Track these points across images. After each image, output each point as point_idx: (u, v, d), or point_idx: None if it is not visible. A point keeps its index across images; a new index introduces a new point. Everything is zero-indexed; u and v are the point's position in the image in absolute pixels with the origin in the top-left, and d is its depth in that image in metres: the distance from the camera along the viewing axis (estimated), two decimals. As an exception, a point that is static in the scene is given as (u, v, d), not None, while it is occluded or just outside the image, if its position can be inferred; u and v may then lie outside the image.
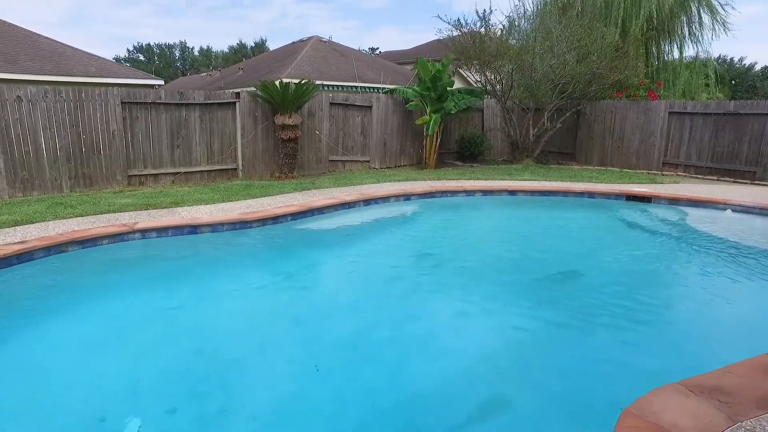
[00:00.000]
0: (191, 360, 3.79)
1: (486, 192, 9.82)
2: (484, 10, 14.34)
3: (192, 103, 10.58)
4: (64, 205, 7.87)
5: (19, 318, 4.37)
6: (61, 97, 9.15)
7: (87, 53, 20.07)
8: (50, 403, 3.20)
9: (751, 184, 11.68)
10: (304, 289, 5.54)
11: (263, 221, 7.13)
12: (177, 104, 10.41)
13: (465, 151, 15.45)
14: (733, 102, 13.02)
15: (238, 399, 3.27)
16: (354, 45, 32.73)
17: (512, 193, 9.89)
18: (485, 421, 3.08)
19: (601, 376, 3.57)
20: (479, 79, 14.85)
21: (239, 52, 49.19)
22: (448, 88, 13.34)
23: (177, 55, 72.25)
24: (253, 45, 49.72)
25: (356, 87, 24.13)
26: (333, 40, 33.45)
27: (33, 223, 6.78)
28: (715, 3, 17.76)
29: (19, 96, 8.75)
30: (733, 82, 51.62)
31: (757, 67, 55.51)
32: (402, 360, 3.84)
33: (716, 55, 18.06)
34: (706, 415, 2.41)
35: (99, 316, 4.52)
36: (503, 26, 15.75)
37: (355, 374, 3.61)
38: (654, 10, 16.80)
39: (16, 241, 5.76)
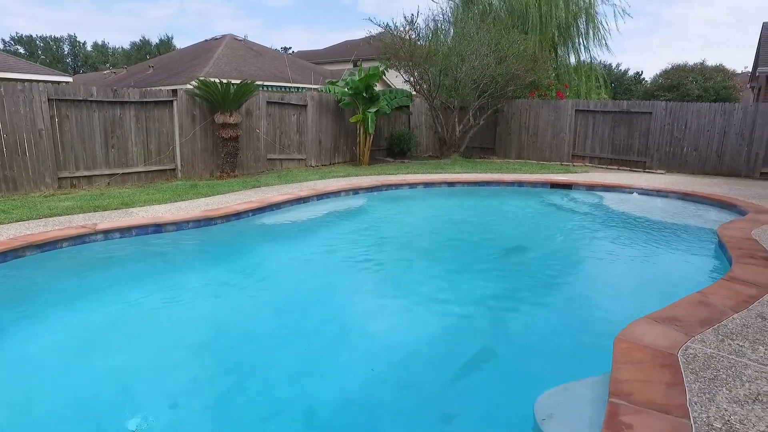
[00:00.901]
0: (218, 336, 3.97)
1: (427, 184, 10.52)
2: (412, 14, 15.06)
3: (127, 101, 10.16)
4: (-2, 210, 7.33)
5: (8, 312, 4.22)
6: (-21, 93, 8.44)
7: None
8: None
9: (643, 171, 13.52)
10: (281, 274, 5.80)
11: (226, 217, 7.20)
12: (111, 102, 9.95)
13: (395, 148, 16.15)
14: (626, 102, 14.96)
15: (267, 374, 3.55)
16: (262, 44, 32.19)
17: (451, 184, 10.69)
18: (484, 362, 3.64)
19: (567, 321, 4.29)
20: (407, 79, 15.58)
21: (143, 50, 46.25)
22: (374, 92, 14.04)
23: (66, 49, 66.08)
24: (158, 42, 46.85)
25: (278, 87, 23.99)
26: (248, 39, 32.84)
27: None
28: (599, 18, 20.38)
29: (-71, 92, 7.96)
30: (612, 85, 57.76)
31: (630, 73, 62.40)
32: (384, 319, 4.30)
33: (599, 60, 20.69)
34: (671, 335, 3.14)
35: (81, 316, 4.47)
36: (430, 30, 16.63)
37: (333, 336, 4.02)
38: (561, 19, 18.77)
39: (-33, 246, 5.40)
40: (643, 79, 57.37)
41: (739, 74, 38.27)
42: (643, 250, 6.49)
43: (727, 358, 2.88)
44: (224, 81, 10.99)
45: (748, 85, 23.10)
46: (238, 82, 11.26)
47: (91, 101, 9.72)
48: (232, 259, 6.29)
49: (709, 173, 13.02)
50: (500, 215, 9.09)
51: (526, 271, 5.88)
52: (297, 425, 2.91)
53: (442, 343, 3.98)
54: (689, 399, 2.45)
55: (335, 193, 9.26)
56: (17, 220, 6.76)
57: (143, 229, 6.52)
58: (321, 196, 8.94)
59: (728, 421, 2.29)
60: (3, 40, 64.59)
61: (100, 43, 63.83)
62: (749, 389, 2.57)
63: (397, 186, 10.23)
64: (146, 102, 10.47)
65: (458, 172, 12.28)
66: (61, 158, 9.43)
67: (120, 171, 10.21)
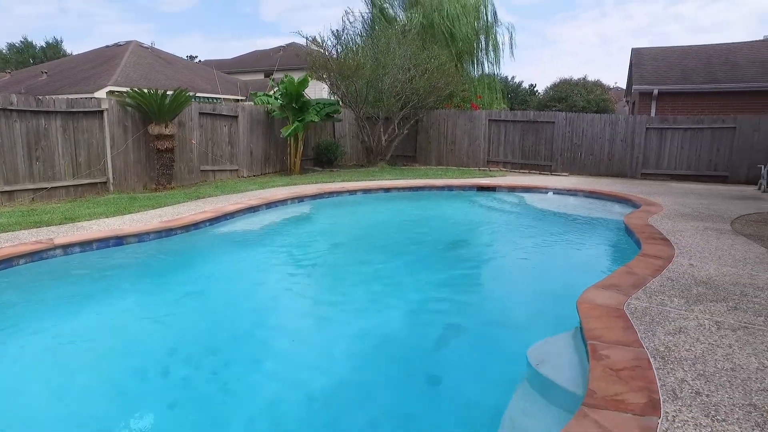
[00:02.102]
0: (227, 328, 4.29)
1: (366, 190, 11.18)
2: (338, 30, 15.75)
3: (52, 111, 9.68)
4: (-76, 229, 6.79)
5: None
6: None
7: None
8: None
9: (551, 174, 15.27)
10: (250, 275, 6.14)
11: (186, 228, 7.29)
12: (34, 111, 9.43)
13: (322, 158, 16.62)
14: (532, 112, 16.77)
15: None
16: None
17: (387, 190, 11.43)
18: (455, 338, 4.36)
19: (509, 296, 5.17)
20: (334, 92, 16.18)
21: (25, 53, 42.10)
22: (304, 101, 14.48)
23: None
24: (44, 45, 42.92)
25: (198, 98, 23.35)
26: (155, 46, 31.45)
27: None
28: (498, 37, 22.60)
29: None
30: (509, 96, 62.62)
31: (525, 85, 68.00)
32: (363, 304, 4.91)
33: (498, 73, 22.87)
34: (615, 297, 4.06)
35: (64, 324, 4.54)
36: (356, 44, 17.36)
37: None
38: (465, 36, 20.49)
39: None
40: (537, 91, 62.58)
41: (612, 88, 43.63)
42: (573, 235, 7.70)
43: (656, 308, 3.84)
44: (159, 90, 10.84)
45: (624, 99, 26.58)
46: (171, 92, 11.16)
47: (11, 110, 9.16)
48: (200, 266, 6.46)
49: (603, 174, 15.04)
50: (444, 214, 10.13)
51: (487, 258, 6.80)
52: (295, 402, 3.35)
53: (438, 319, 4.64)
54: (639, 336, 3.31)
55: (282, 202, 9.58)
56: (-46, 239, 6.36)
57: (104, 242, 6.46)
58: (270, 205, 9.22)
59: (667, 346, 3.17)
60: None
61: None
62: (674, 325, 3.51)
63: (339, 193, 10.77)
64: (74, 112, 10.05)
65: (390, 179, 13.06)
66: (-22, 173, 8.81)
67: (46, 185, 9.68)
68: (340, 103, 16.58)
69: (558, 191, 11.13)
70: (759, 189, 12.25)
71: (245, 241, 7.49)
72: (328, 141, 16.82)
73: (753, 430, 2.30)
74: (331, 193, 10.69)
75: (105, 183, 10.67)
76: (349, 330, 4.52)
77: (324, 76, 15.38)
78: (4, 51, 43.27)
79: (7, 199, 9.19)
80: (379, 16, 21.09)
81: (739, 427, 2.32)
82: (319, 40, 15.73)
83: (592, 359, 2.98)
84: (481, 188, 11.63)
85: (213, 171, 13.22)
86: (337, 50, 15.43)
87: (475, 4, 22.08)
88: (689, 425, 2.33)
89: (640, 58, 18.35)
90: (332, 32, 16.45)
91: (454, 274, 6.11)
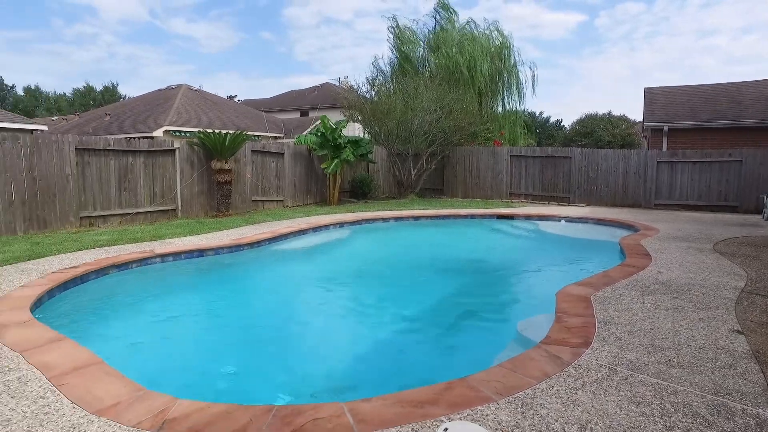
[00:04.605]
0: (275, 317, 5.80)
1: (397, 218, 12.70)
2: (371, 78, 17.89)
3: (138, 150, 11.70)
4: (47, 244, 8.62)
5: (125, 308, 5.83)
6: (18, 143, 9.74)
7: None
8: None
9: (569, 205, 16.48)
10: (312, 277, 7.67)
11: (250, 244, 8.93)
12: (124, 151, 11.45)
13: (357, 190, 18.31)
14: (550, 148, 18.14)
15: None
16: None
17: (416, 218, 12.93)
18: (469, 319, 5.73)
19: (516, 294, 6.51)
20: (369, 131, 18.03)
21: (87, 96, 46.25)
22: (340, 140, 16.31)
23: (-7, 94, 63.63)
24: (102, 89, 47.07)
25: (253, 137, 25.63)
26: (203, 89, 34.33)
27: (44, 257, 7.63)
28: (520, 75, 24.21)
29: (-21, 144, 9.22)
30: (537, 131, 63.97)
31: (552, 120, 69.26)
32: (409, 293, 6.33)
33: (522, 109, 24.30)
34: (586, 290, 5.37)
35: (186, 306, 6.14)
36: (386, 89, 19.30)
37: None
38: (486, 75, 22.27)
39: (66, 267, 6.84)
40: (563, 126, 63.76)
41: (638, 123, 44.48)
42: (572, 253, 9.01)
43: (615, 297, 5.15)
44: (220, 132, 12.79)
45: (642, 135, 27.64)
46: (226, 131, 13.09)
47: (109, 150, 11.20)
48: (263, 271, 8.06)
49: (618, 205, 16.16)
50: (465, 237, 11.59)
51: (498, 269, 8.19)
52: (356, 360, 4.81)
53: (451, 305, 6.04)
54: (594, 312, 4.64)
55: (326, 226, 11.19)
56: (77, 250, 8.14)
57: (190, 254, 8.14)
58: (316, 229, 10.83)
59: (612, 317, 4.49)
60: None
61: (33, 87, 62.36)
62: (624, 306, 4.82)
63: (374, 220, 12.33)
64: (153, 151, 12.05)
65: (419, 209, 14.57)
66: (82, 200, 10.75)
67: (131, 211, 11.61)
68: (373, 140, 18.37)
69: (570, 219, 12.38)
70: (763, 217, 13.17)
71: (297, 255, 9.11)
72: (363, 175, 18.54)
73: (643, 355, 3.62)
74: (367, 220, 12.25)
75: (174, 210, 12.56)
76: (390, 317, 5.95)
77: (358, 118, 17.23)
78: (68, 95, 47.65)
79: (102, 222, 11.12)
80: (404, 62, 23.13)
81: (636, 353, 3.64)
82: (354, 85, 17.67)
83: (555, 323, 4.33)
84: (501, 216, 13.00)
85: (262, 201, 15.03)
86: (370, 95, 17.33)
87: (499, 46, 23.92)
88: (604, 351, 3.67)
89: (651, 97, 19.63)
90: (366, 80, 18.38)
91: (471, 280, 7.52)
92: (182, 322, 5.75)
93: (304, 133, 18.76)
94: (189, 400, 3.01)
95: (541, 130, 66.43)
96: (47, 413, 2.89)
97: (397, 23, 24.00)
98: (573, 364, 3.47)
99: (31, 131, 17.64)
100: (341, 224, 11.61)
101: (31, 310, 4.87)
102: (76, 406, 2.95)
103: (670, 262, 6.98)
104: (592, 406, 2.90)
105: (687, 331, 4.13)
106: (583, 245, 9.90)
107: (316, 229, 10.87)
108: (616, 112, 44.77)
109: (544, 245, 10.12)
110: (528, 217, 12.92)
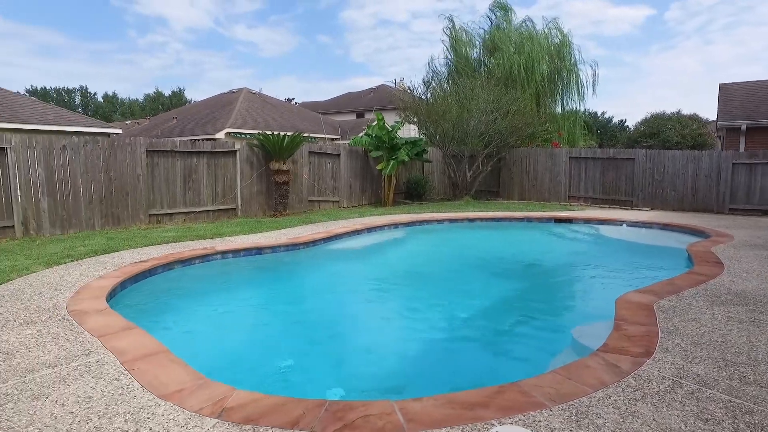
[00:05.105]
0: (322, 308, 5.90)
1: (452, 220, 12.61)
2: (426, 79, 17.95)
3: (201, 152, 12.29)
4: (120, 239, 9.24)
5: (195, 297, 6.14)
6: (98, 145, 10.50)
7: (38, 101, 20.38)
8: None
9: (631, 209, 15.73)
10: (366, 277, 7.77)
11: (306, 243, 9.16)
12: (189, 152, 12.06)
13: (412, 191, 18.31)
14: (612, 149, 17.38)
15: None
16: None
17: (471, 220, 12.78)
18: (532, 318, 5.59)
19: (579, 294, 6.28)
20: (424, 132, 18.00)
21: (156, 101, 49.10)
22: (396, 141, 16.37)
23: (77, 100, 68.85)
24: (170, 93, 49.82)
25: (310, 138, 26.32)
26: (263, 92, 35.51)
27: (117, 251, 8.18)
28: (580, 73, 23.35)
29: (64, 145, 10.01)
30: (599, 131, 61.47)
31: (615, 120, 66.31)
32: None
33: (582, 109, 23.43)
34: (648, 298, 5.12)
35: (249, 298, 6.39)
36: (442, 90, 19.23)
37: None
38: (545, 74, 21.67)
39: (137, 261, 7.30)
40: (627, 126, 60.89)
41: (711, 122, 41.64)
42: (633, 259, 8.61)
43: (681, 306, 4.87)
44: (279, 133, 13.19)
45: (716, 135, 25.93)
46: (283, 133, 13.48)
47: (175, 151, 11.83)
48: (319, 269, 8.25)
49: (686, 209, 15.24)
50: (520, 240, 11.35)
51: (554, 273, 7.99)
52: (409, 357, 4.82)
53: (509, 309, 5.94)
54: (657, 320, 4.41)
55: (380, 227, 11.28)
56: (146, 245, 8.67)
57: (248, 251, 8.46)
58: (371, 229, 10.95)
59: (677, 327, 4.25)
60: (19, 93, 67.68)
61: (110, 94, 67.04)
62: (690, 317, 4.55)
63: (428, 222, 12.30)
64: (216, 152, 12.61)
65: (474, 211, 14.39)
66: (151, 198, 11.42)
67: (194, 209, 12.20)
68: (428, 142, 18.31)
69: (632, 223, 11.81)
70: None
71: (352, 255, 9.26)
72: (417, 176, 18.53)
73: (713, 369, 3.41)
74: (421, 222, 12.24)
75: (234, 209, 13.08)
76: (441, 318, 5.94)
77: (414, 119, 17.24)
78: (140, 100, 50.79)
79: (168, 219, 11.76)
80: (459, 62, 22.90)
81: (704, 367, 3.43)
82: (409, 87, 17.69)
83: (614, 331, 4.16)
84: (558, 220, 12.60)
85: (318, 201, 15.36)
86: (426, 97, 17.29)
87: (559, 44, 23.22)
88: (667, 363, 3.49)
89: (727, 94, 18.35)
90: (422, 81, 18.37)
91: (525, 283, 7.35)
92: (240, 316, 5.99)
93: (360, 134, 18.99)
94: (246, 391, 3.14)
95: (603, 130, 63.78)
96: (121, 394, 3.12)
97: (453, 23, 23.83)
98: (633, 374, 3.32)
99: (108, 134, 18.91)
100: (396, 225, 11.67)
101: (106, 300, 5.24)
102: (145, 390, 3.16)
103: (746, 271, 6.52)
104: (653, 419, 2.77)
105: (766, 347, 3.84)
106: (646, 251, 9.41)
107: (370, 229, 10.98)
108: (686, 111, 42.25)
109: (604, 250, 9.72)
110: (587, 221, 12.44)
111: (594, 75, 23.88)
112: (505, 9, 24.17)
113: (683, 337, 4.01)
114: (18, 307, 5.00)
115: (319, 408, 2.92)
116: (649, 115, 41.76)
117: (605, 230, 11.38)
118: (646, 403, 2.93)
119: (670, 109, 49.32)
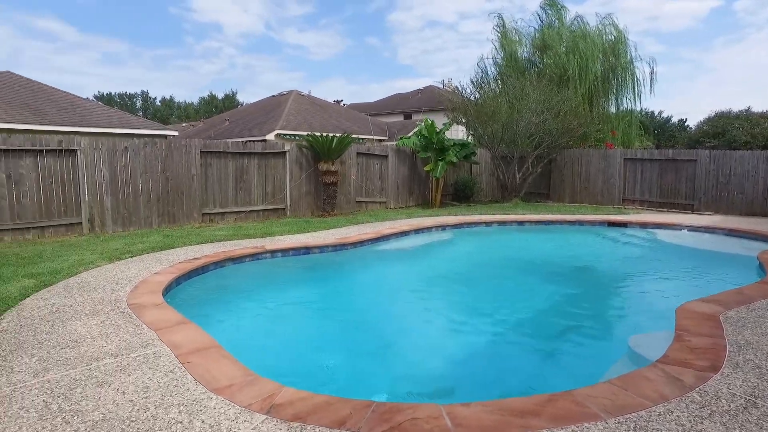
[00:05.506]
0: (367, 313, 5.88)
1: (501, 222, 12.36)
2: (475, 79, 17.75)
3: (252, 152, 12.62)
4: (175, 237, 9.61)
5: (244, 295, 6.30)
6: (156, 147, 10.99)
7: (104, 106, 21.53)
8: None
9: (692, 213, 14.90)
10: (413, 278, 7.73)
11: (354, 244, 9.21)
12: (241, 153, 12.42)
13: (460, 193, 18.09)
14: (671, 150, 16.52)
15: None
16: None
17: (520, 223, 12.48)
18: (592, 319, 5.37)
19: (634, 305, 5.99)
20: (472, 133, 17.75)
21: (210, 104, 51.00)
22: (444, 142, 16.21)
23: (138, 104, 72.51)
24: (223, 97, 51.63)
25: (359, 140, 26.57)
26: (312, 94, 36.12)
27: (172, 248, 8.52)
28: (636, 70, 22.31)
29: (126, 147, 10.53)
30: (656, 132, 58.69)
31: (674, 120, 63.11)
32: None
33: (638, 109, 22.29)
34: (713, 308, 4.81)
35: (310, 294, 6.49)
36: (493, 91, 18.93)
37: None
38: (596, 73, 20.89)
39: (190, 258, 7.57)
40: (687, 125, 57.84)
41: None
42: (695, 266, 8.16)
43: (752, 318, 4.54)
44: (327, 135, 13.36)
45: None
46: (330, 134, 13.62)
47: (228, 152, 12.20)
48: (366, 269, 8.30)
49: (756, 214, 14.26)
50: (573, 244, 10.97)
51: (607, 279, 7.71)
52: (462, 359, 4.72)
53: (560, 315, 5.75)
54: (725, 333, 4.13)
55: (428, 228, 11.20)
56: (200, 243, 8.98)
57: (297, 251, 8.61)
58: (418, 230, 10.90)
59: (748, 341, 3.96)
60: (87, 98, 72.34)
61: (168, 98, 70.30)
62: (764, 330, 4.23)
63: (476, 224, 12.11)
64: (266, 153, 12.92)
65: (523, 214, 14.05)
66: (204, 198, 11.83)
67: (245, 209, 12.55)
68: (477, 143, 18.05)
69: (694, 228, 11.16)
70: None
71: (399, 256, 9.25)
72: (465, 178, 18.29)
73: (790, 386, 3.15)
74: (469, 224, 12.07)
75: (284, 209, 13.35)
76: (490, 322, 5.82)
77: (462, 120, 17.03)
78: (195, 104, 52.91)
79: (220, 218, 12.15)
80: (509, 62, 22.42)
81: (779, 384, 3.18)
82: (457, 88, 17.49)
83: (675, 341, 3.93)
84: (612, 223, 12.09)
85: (365, 202, 15.45)
86: (474, 97, 17.04)
87: (613, 41, 22.33)
88: (738, 379, 3.25)
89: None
90: (471, 81, 18.14)
91: (577, 289, 7.09)
92: (287, 314, 6.09)
93: (408, 135, 18.97)
94: (294, 389, 3.17)
95: (660, 131, 60.90)
96: (176, 386, 3.22)
97: (503, 22, 23.38)
98: (697, 389, 3.12)
99: (165, 136, 19.77)
100: (443, 227, 11.57)
101: (162, 294, 5.46)
102: (198, 383, 3.25)
103: (823, 281, 6.02)
104: (721, 437, 2.58)
105: None
106: (710, 258, 8.85)
107: (418, 230, 10.93)
108: (756, 108, 39.56)
109: (662, 256, 9.22)
110: (643, 225, 11.88)
111: (652, 73, 22.69)
112: (557, 7, 23.48)
113: (756, 352, 3.74)
114: (85, 298, 5.29)
115: (366, 409, 2.91)
116: (713, 113, 39.50)
117: (663, 235, 10.82)
118: (715, 422, 2.74)
119: (737, 106, 46.49)
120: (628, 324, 5.65)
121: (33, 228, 9.45)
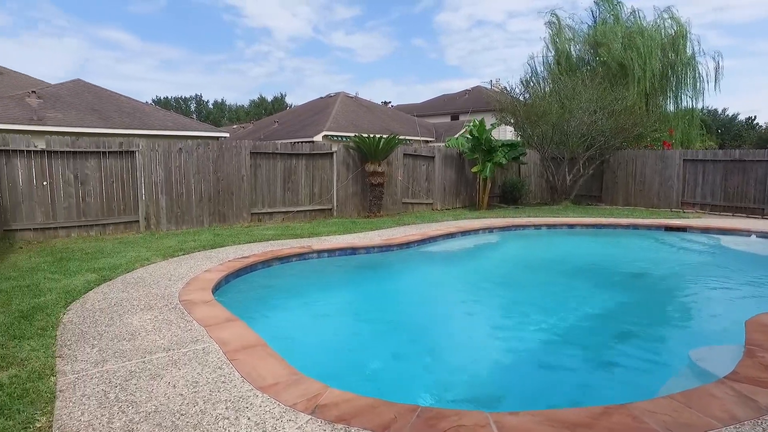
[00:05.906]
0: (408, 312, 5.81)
1: (550, 226, 11.98)
2: (525, 79, 17.35)
3: (300, 153, 12.83)
4: (225, 235, 9.89)
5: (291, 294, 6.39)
6: (208, 148, 11.35)
7: (161, 109, 22.49)
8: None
9: (762, 218, 13.93)
10: (459, 281, 7.61)
11: (400, 245, 9.17)
12: (289, 154, 12.65)
13: (507, 195, 17.70)
14: (738, 150, 15.51)
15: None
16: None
17: (571, 226, 12.06)
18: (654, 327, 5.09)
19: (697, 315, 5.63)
20: (521, 134, 17.35)
21: (260, 106, 52.41)
22: (492, 143, 15.89)
23: (192, 107, 75.47)
24: (272, 99, 52.95)
25: (405, 141, 26.55)
26: (359, 96, 36.39)
27: (222, 247, 8.75)
28: (698, 66, 21.10)
29: (180, 148, 10.94)
30: (719, 131, 55.45)
31: (741, 117, 59.39)
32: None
33: (700, 107, 20.85)
34: (790, 323, 4.45)
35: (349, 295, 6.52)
36: (541, 90, 18.45)
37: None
38: (654, 70, 19.95)
39: (239, 257, 7.76)
40: (757, 124, 54.40)
41: None
42: (766, 276, 7.59)
43: (832, 334, 4.16)
44: (374, 136, 13.39)
45: None
46: (378, 135, 13.63)
47: (276, 153, 12.45)
48: (412, 270, 8.26)
49: (832, 221, 13.18)
50: (627, 249, 10.52)
51: (666, 287, 7.37)
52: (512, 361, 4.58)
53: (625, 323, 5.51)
54: (801, 349, 3.80)
55: (475, 231, 11.02)
56: (250, 242, 9.20)
57: (343, 251, 8.66)
58: (465, 233, 10.74)
59: (829, 359, 3.63)
60: (145, 102, 76.55)
61: (219, 101, 72.90)
62: None
63: (525, 227, 11.80)
64: (314, 154, 13.09)
65: (574, 217, 13.57)
66: (253, 198, 12.12)
67: (292, 209, 12.77)
68: (525, 143, 17.61)
69: (763, 234, 10.41)
70: None
71: (445, 258, 9.17)
72: (513, 179, 17.88)
73: None
74: (517, 227, 11.78)
75: (330, 209, 13.49)
76: (538, 329, 5.64)
77: (510, 120, 16.66)
78: (245, 106, 54.56)
79: (268, 218, 12.42)
80: (560, 60, 21.76)
81: None
82: (506, 88, 17.13)
83: (745, 357, 3.65)
84: (670, 228, 11.47)
85: (412, 203, 15.38)
86: (524, 96, 16.64)
87: (674, 36, 21.29)
88: (817, 399, 2.97)
89: None
90: (520, 80, 17.74)
91: (632, 296, 6.76)
92: (333, 314, 6.13)
93: (455, 136, 18.77)
94: (339, 390, 3.16)
95: (724, 129, 57.53)
96: (223, 382, 3.29)
97: (558, 18, 22.74)
98: (771, 409, 2.88)
99: (217, 138, 20.43)
100: (490, 229, 11.34)
101: (212, 291, 5.62)
102: (244, 380, 3.30)
103: None
104: (800, 464, 2.36)
105: None
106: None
107: (464, 232, 10.77)
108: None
109: (727, 264, 8.65)
110: (705, 230, 11.19)
111: (717, 68, 21.40)
112: (612, 2, 22.61)
113: (836, 370, 3.42)
114: (140, 293, 5.52)
115: (411, 413, 2.86)
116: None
117: (728, 241, 10.15)
118: (790, 445, 2.51)
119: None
120: (689, 335, 5.32)
121: (96, 225, 9.97)
